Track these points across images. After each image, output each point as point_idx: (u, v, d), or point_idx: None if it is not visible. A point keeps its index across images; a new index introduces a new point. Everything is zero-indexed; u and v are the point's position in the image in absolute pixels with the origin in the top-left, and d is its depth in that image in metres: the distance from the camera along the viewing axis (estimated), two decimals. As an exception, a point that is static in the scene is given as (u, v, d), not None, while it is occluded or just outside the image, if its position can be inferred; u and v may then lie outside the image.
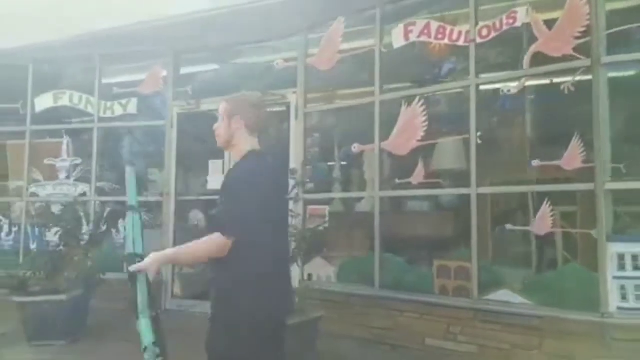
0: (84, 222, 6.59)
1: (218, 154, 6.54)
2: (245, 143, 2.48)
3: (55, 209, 6.69)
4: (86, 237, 6.04)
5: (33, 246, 6.28)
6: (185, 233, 6.61)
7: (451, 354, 4.77)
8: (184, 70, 6.99)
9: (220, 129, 2.51)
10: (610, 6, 4.28)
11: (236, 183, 2.39)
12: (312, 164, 6.16)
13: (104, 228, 6.97)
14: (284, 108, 6.26)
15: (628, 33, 4.15)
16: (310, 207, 6.02)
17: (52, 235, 6.27)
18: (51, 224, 6.08)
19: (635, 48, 4.16)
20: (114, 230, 6.99)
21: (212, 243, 2.25)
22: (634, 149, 4.18)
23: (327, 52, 5.85)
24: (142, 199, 7.02)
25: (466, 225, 4.78)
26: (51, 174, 7.32)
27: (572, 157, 4.29)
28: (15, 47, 7.11)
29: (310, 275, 5.91)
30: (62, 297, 5.60)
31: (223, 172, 6.42)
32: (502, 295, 4.59)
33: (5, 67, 7.41)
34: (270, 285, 2.31)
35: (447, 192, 5.26)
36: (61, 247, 5.89)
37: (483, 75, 4.81)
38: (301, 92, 6.14)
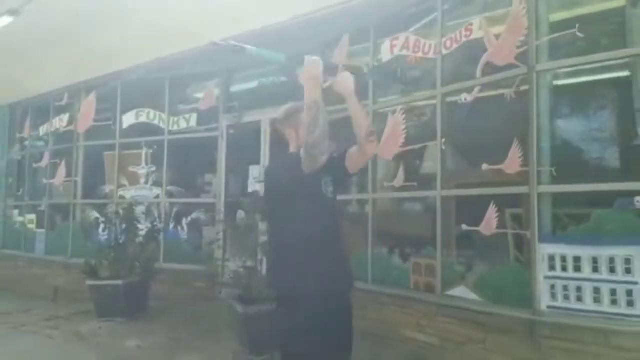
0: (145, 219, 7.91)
1: (256, 160, 7.44)
2: None
3: (139, 209, 8.11)
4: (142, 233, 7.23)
5: (121, 240, 7.46)
6: (234, 229, 7.54)
7: (423, 345, 5.15)
8: (233, 88, 7.93)
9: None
10: (551, 17, 4.43)
11: None
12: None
13: (171, 225, 8.24)
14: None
15: (564, 41, 4.27)
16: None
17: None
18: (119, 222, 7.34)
19: (570, 55, 4.28)
20: (179, 227, 8.16)
21: None
22: (568, 153, 4.29)
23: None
24: (200, 200, 8.18)
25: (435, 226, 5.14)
26: (134, 180, 8.68)
27: (513, 161, 4.50)
28: (106, 73, 8.61)
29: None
30: (119, 282, 6.82)
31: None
32: (460, 291, 4.88)
33: (100, 90, 8.92)
34: None
35: (418, 195, 5.61)
36: (121, 241, 7.15)
37: (447, 86, 5.13)
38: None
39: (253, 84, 7.70)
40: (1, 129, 11.08)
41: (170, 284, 7.70)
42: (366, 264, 5.84)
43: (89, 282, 7.00)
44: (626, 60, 4.10)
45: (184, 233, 8.12)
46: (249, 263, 5.82)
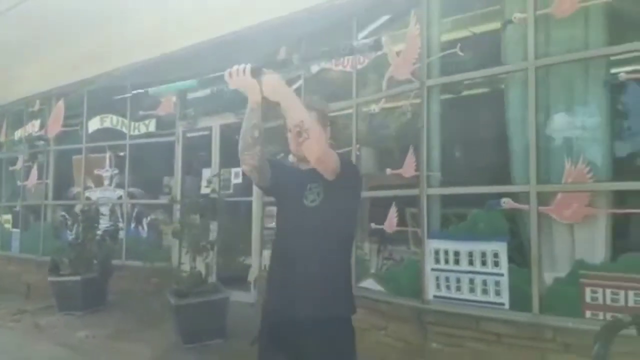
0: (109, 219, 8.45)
1: (209, 163, 7.97)
2: None
3: (103, 209, 8.66)
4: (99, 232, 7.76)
5: (80, 239, 7.96)
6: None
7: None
8: (189, 96, 8.44)
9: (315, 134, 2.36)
10: (442, 37, 4.93)
11: None
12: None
13: (132, 225, 8.75)
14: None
15: (450, 60, 4.77)
16: (267, 208, 7.17)
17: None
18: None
19: (456, 71, 4.78)
20: (139, 227, 8.68)
21: None
22: (454, 159, 4.80)
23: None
24: (158, 201, 8.68)
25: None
26: (99, 182, 9.20)
27: (409, 166, 5.01)
28: (74, 81, 9.14)
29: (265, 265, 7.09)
30: (78, 277, 7.34)
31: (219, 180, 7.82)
32: (369, 283, 5.40)
33: (68, 97, 9.45)
34: None
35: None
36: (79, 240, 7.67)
37: (360, 98, 5.64)
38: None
39: (206, 92, 8.19)
40: (-19, 134, 11.60)
41: (131, 280, 8.20)
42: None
43: (50, 279, 7.54)
44: (501, 76, 4.60)
45: (144, 232, 8.62)
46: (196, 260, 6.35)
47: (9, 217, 10.65)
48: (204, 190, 7.92)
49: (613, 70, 4.02)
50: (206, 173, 8.00)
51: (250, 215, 7.35)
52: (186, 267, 6.40)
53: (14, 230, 10.42)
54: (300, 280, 2.39)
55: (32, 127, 10.22)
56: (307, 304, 2.38)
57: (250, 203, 7.34)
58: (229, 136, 7.70)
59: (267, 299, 2.59)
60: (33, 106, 10.21)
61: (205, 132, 8.08)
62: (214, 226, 6.96)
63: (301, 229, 2.47)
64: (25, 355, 5.66)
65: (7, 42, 8.37)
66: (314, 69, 6.30)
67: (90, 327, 6.60)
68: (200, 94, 8.43)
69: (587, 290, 3.92)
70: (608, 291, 3.85)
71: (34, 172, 10.03)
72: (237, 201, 7.68)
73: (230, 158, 7.70)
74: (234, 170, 7.65)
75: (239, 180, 7.57)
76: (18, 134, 10.63)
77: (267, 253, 7.00)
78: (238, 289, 7.46)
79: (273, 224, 6.84)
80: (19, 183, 10.45)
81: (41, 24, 7.88)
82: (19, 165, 10.47)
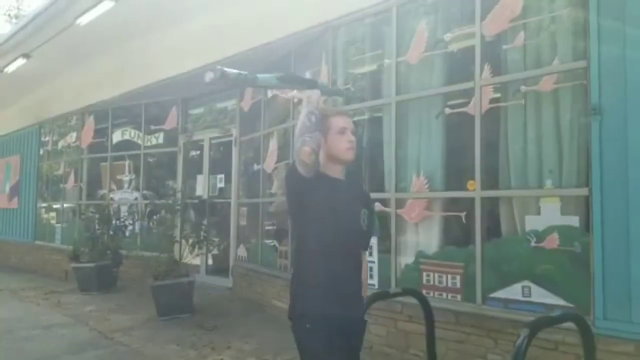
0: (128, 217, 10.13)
1: (201, 170, 9.50)
2: None
3: (123, 209, 10.39)
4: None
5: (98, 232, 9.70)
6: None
7: (281, 310, 6.98)
8: (189, 113, 10.01)
9: (355, 142, 2.63)
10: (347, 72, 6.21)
11: None
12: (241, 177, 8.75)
13: (146, 221, 10.40)
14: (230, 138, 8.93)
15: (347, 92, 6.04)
16: (242, 208, 8.62)
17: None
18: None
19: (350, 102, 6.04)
20: (151, 223, 10.31)
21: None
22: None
23: (248, 100, 8.35)
24: (164, 202, 10.26)
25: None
26: (120, 185, 10.94)
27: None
28: (100, 100, 10.92)
29: (240, 256, 8.53)
30: (92, 264, 9.03)
31: (208, 184, 9.38)
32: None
33: (97, 113, 11.26)
34: None
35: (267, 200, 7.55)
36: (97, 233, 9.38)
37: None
38: (237, 127, 8.77)
39: (200, 110, 9.73)
40: (34, 144, 13.67)
41: (143, 267, 9.83)
42: (258, 252, 7.77)
43: (73, 265, 9.27)
44: (379, 106, 5.82)
45: (154, 227, 10.24)
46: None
47: (53, 214, 12.61)
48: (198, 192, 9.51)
49: (449, 104, 5.17)
50: (200, 179, 9.56)
51: (229, 215, 8.83)
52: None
53: (57, 225, 12.35)
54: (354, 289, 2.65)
55: (70, 139, 12.10)
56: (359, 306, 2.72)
57: (229, 204, 8.82)
58: (216, 147, 9.26)
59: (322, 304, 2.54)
60: (70, 121, 12.09)
61: (200, 144, 9.62)
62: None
63: (355, 249, 2.66)
64: (40, 321, 7.30)
65: (44, 66, 10.24)
66: (270, 93, 7.68)
67: (97, 304, 8.24)
68: (195, 111, 9.99)
69: (424, 274, 5.13)
70: (436, 274, 5.04)
71: (72, 176, 11.90)
72: (221, 202, 9.18)
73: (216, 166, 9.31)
74: (218, 176, 9.20)
75: (222, 184, 9.10)
76: (60, 144, 12.57)
77: (242, 247, 8.47)
78: (220, 276, 8.99)
79: (245, 222, 8.30)
80: (60, 185, 12.37)
81: (72, 53, 9.64)
82: (61, 170, 12.39)
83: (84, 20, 7.99)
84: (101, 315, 7.57)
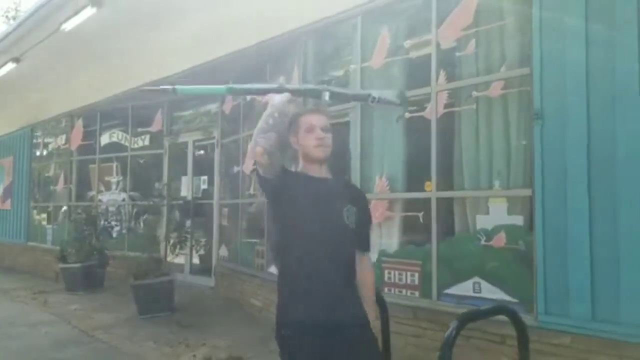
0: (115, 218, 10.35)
1: (185, 172, 9.72)
2: None
3: (111, 210, 10.60)
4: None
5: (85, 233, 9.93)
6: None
7: (257, 308, 7.20)
8: (174, 115, 10.22)
9: (330, 140, 2.58)
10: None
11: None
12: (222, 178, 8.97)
13: (133, 222, 10.62)
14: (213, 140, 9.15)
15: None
16: (223, 209, 8.82)
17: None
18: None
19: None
20: (137, 224, 10.53)
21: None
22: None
23: (230, 103, 8.55)
24: (151, 203, 10.48)
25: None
26: (108, 186, 11.16)
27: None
28: (89, 103, 11.12)
29: (222, 256, 8.74)
30: (79, 265, 9.25)
31: (192, 186, 9.60)
32: (274, 269, 6.93)
33: (85, 116, 11.48)
34: None
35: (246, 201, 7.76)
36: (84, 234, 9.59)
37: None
38: (219, 130, 8.97)
39: (184, 112, 9.94)
40: (26, 146, 13.90)
41: (129, 267, 10.03)
42: (237, 251, 7.98)
43: (61, 265, 9.49)
44: (346, 110, 6.01)
45: (140, 228, 10.47)
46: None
47: (44, 215, 12.83)
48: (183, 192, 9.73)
49: (409, 108, 5.36)
50: (184, 180, 9.77)
51: (212, 215, 9.04)
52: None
53: (48, 226, 12.58)
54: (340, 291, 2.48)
55: (60, 141, 12.32)
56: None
57: (212, 205, 9.03)
58: (199, 149, 9.47)
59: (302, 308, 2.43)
60: (60, 123, 12.31)
61: (184, 146, 9.83)
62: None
63: (340, 247, 2.50)
64: (27, 319, 7.52)
65: (34, 72, 10.45)
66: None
67: (82, 303, 8.46)
68: (180, 114, 10.20)
69: (385, 272, 5.34)
70: (397, 272, 5.25)
71: (62, 178, 12.12)
72: (205, 203, 9.40)
73: (199, 168, 9.52)
74: (202, 177, 9.41)
75: (206, 186, 9.31)
76: (50, 146, 12.79)
77: (223, 247, 8.68)
78: (203, 275, 9.21)
79: (226, 223, 8.50)
80: (51, 187, 12.59)
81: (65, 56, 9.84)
82: (51, 172, 12.61)
83: (68, 26, 8.18)
84: (85, 314, 7.78)
